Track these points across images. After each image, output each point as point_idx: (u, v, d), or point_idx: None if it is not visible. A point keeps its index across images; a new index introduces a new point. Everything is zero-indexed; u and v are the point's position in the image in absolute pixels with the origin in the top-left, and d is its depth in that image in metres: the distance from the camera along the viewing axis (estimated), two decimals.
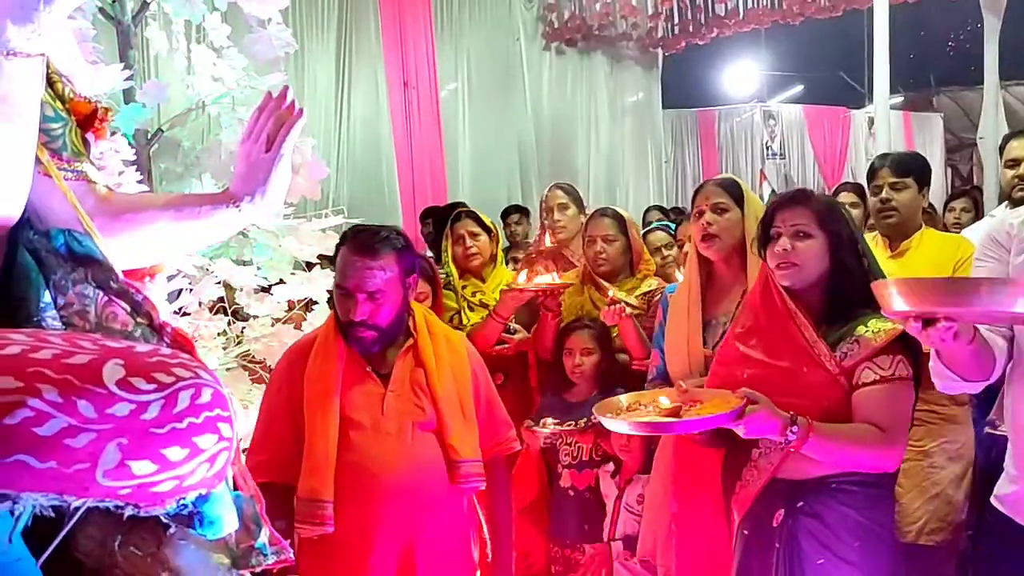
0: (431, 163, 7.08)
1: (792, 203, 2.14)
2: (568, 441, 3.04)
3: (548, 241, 3.65)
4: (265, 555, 1.01)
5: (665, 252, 4.10)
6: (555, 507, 3.13)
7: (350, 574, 2.07)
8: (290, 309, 2.69)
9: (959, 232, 4.48)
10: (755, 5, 8.25)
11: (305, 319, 2.74)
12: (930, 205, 3.67)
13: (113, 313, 1.03)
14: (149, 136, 2.70)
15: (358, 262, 2.10)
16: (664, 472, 2.68)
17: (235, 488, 1.01)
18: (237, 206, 1.29)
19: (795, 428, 1.90)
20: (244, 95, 2.76)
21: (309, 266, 2.88)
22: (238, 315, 2.70)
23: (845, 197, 4.64)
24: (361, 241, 2.13)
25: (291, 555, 1.04)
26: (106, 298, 1.03)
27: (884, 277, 2.16)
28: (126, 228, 1.19)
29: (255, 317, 2.63)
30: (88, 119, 1.15)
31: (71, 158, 1.10)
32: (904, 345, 2.01)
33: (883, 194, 3.13)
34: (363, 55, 7.10)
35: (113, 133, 1.70)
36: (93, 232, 1.06)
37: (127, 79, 2.43)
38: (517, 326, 3.34)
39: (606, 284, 3.26)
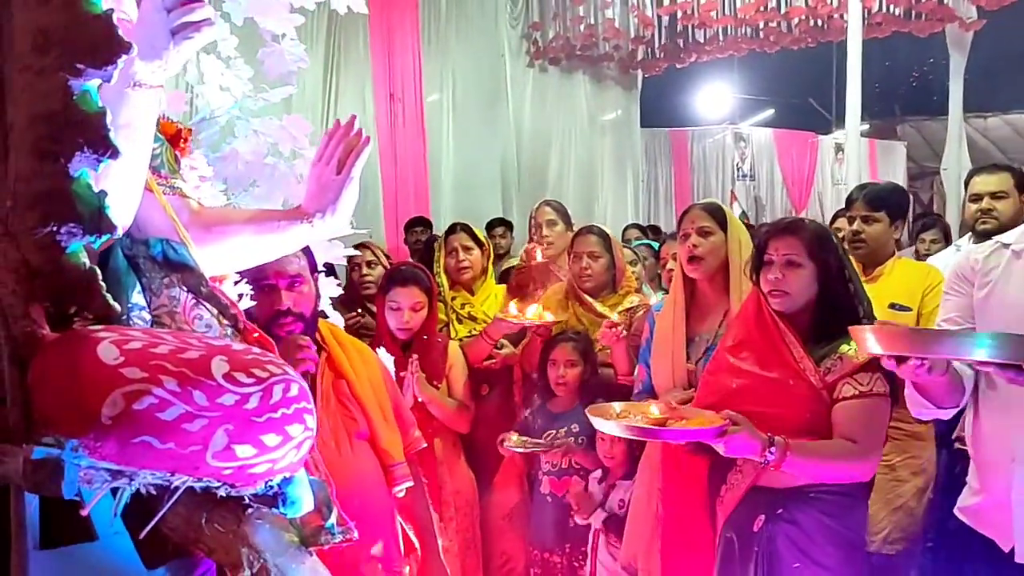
0: (414, 174, 7.17)
1: (785, 233, 2.28)
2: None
3: (539, 256, 3.79)
4: (333, 534, 1.13)
5: (630, 269, 4.20)
6: (535, 513, 3.25)
7: None
8: None
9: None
10: (734, 33, 8.47)
11: None
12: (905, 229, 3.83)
13: (199, 315, 1.15)
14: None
15: None
16: (648, 479, 2.80)
17: (308, 473, 1.13)
18: (310, 222, 1.42)
19: (773, 449, 2.04)
20: (258, 106, 2.85)
21: None
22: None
23: (842, 223, 4.84)
24: None
25: (355, 535, 1.16)
26: (194, 301, 1.15)
27: (869, 302, 2.33)
28: (215, 239, 1.31)
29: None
30: (174, 138, 1.27)
31: (168, 175, 1.22)
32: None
33: (855, 226, 3.30)
34: (351, 67, 7.15)
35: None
36: (188, 242, 1.18)
37: None
38: (505, 341, 3.47)
39: (591, 300, 3.40)
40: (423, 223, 6.34)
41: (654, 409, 2.19)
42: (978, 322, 2.04)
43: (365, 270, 3.94)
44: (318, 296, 2.23)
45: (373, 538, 2.14)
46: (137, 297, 1.15)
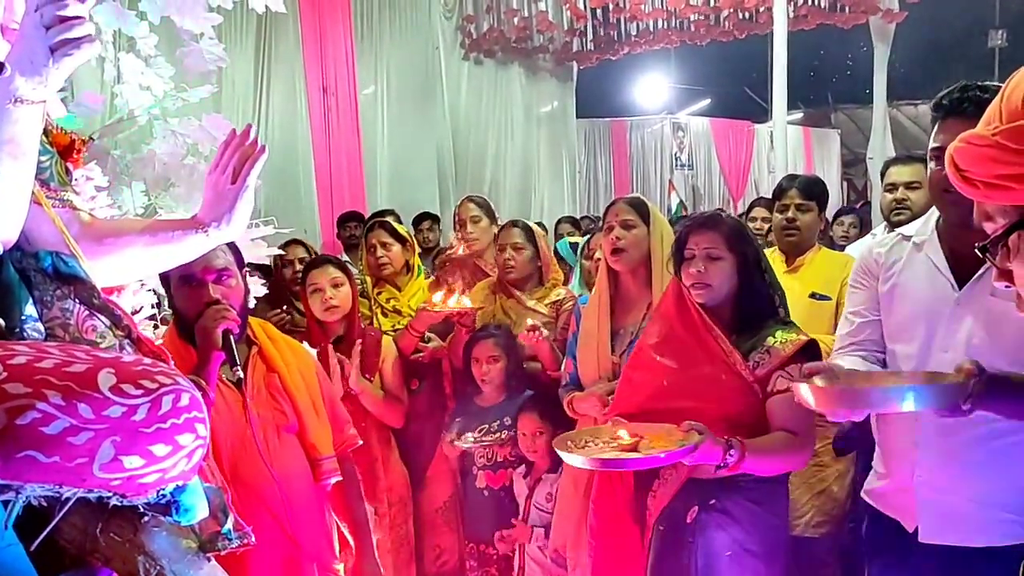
0: (349, 168, 7.13)
1: (704, 227, 2.32)
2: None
3: (462, 250, 3.82)
4: (230, 540, 1.15)
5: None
6: (470, 506, 3.29)
7: None
8: None
9: (846, 243, 4.84)
10: (665, 26, 8.59)
11: None
12: (825, 220, 3.95)
13: (92, 326, 1.15)
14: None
15: None
16: (574, 471, 2.85)
17: (204, 481, 1.15)
18: (205, 231, 1.43)
19: (732, 452, 2.06)
20: (176, 107, 2.82)
21: None
22: (166, 322, 2.76)
23: (758, 212, 4.93)
24: None
25: (252, 539, 1.18)
26: (86, 312, 1.15)
27: (783, 291, 2.40)
28: (108, 251, 1.31)
29: None
30: (66, 150, 1.26)
31: (58, 187, 1.22)
32: (809, 355, 2.22)
33: (790, 213, 3.37)
34: (282, 60, 7.07)
35: (86, 162, 1.80)
36: (78, 254, 1.18)
37: (61, 89, 2.48)
38: (432, 335, 3.49)
39: (518, 293, 3.44)
40: (357, 218, 6.31)
41: (624, 434, 2.12)
42: (883, 315, 2.10)
43: (299, 267, 3.91)
44: (247, 291, 2.23)
45: (301, 529, 2.15)
46: (30, 309, 1.15)
